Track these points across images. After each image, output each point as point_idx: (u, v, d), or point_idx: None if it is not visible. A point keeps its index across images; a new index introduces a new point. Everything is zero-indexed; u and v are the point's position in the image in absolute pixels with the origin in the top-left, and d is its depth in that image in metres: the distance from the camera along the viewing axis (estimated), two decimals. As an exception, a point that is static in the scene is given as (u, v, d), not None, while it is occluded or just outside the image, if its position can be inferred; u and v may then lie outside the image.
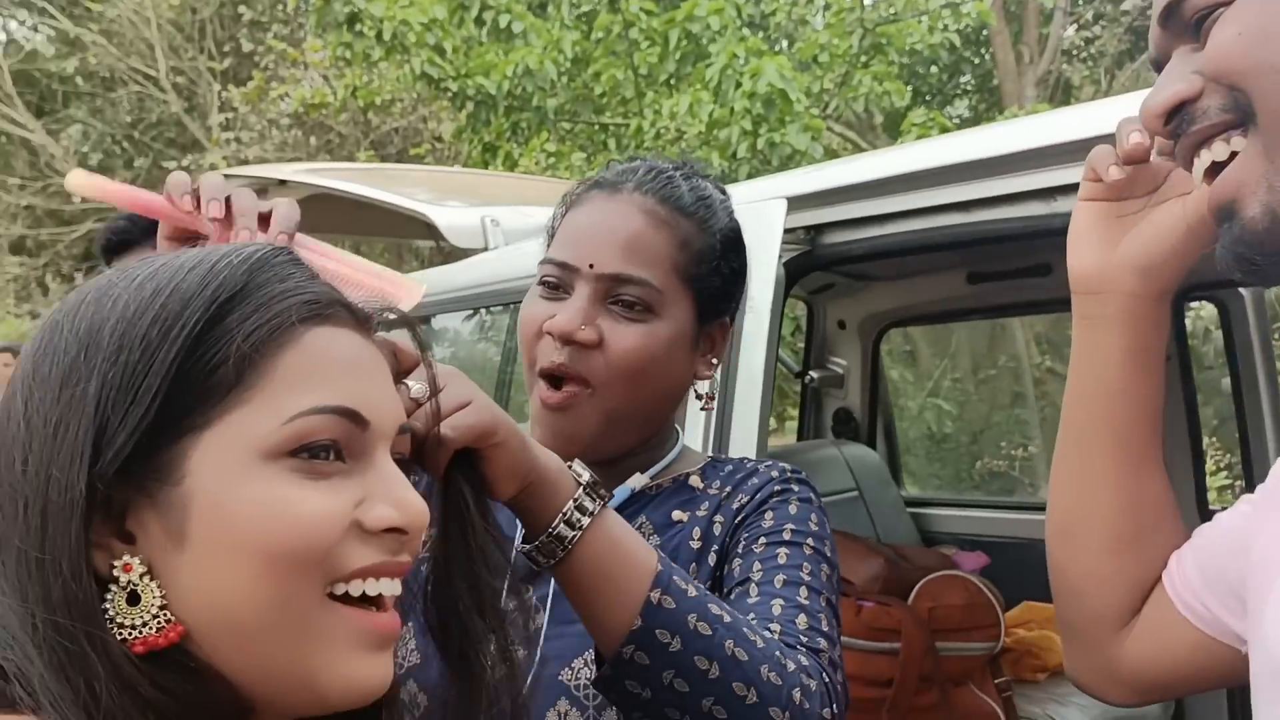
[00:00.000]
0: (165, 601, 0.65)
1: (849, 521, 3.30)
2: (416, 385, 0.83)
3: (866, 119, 10.62)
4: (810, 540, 1.12)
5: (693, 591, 0.94)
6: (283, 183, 3.13)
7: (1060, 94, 11.50)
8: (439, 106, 9.87)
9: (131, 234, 2.90)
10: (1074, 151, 1.60)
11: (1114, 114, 1.58)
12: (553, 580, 1.05)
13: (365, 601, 0.69)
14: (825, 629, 1.05)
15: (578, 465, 0.98)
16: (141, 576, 0.65)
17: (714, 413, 1.84)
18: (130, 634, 0.64)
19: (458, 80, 7.36)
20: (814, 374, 3.71)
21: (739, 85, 6.61)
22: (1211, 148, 0.81)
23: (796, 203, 1.92)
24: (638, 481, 1.22)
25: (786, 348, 5.56)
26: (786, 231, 1.95)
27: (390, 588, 0.70)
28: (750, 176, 6.34)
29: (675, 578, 0.94)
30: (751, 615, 1.03)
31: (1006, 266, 3.06)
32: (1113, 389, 0.97)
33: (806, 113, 6.92)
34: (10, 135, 12.82)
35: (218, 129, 12.52)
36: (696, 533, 1.18)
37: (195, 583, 0.65)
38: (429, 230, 2.94)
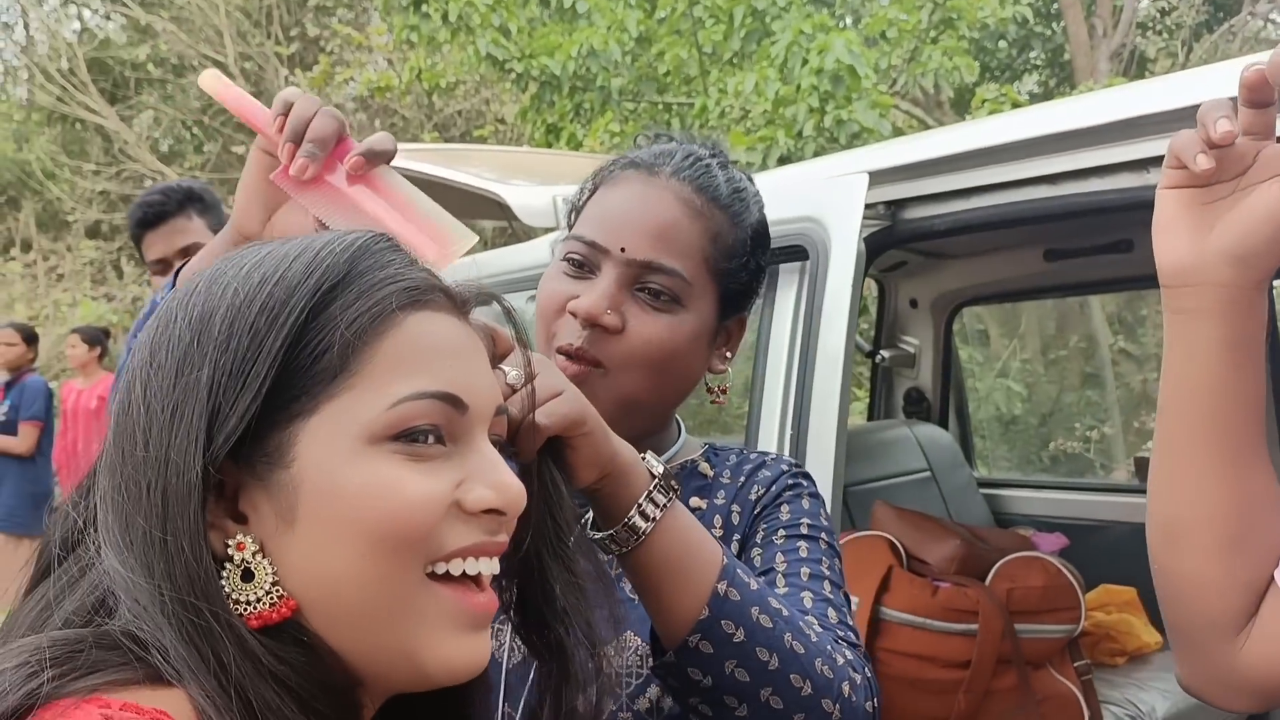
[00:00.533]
0: (277, 578, 0.67)
1: (921, 502, 3.27)
2: (513, 372, 0.85)
3: (934, 96, 10.45)
4: (824, 535, 1.16)
5: (754, 585, 0.97)
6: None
7: (1135, 68, 11.21)
8: (502, 89, 9.89)
9: (167, 206, 2.93)
10: (1168, 122, 1.56)
11: (1209, 83, 1.53)
12: None
13: (464, 580, 0.71)
14: (851, 623, 1.09)
15: (651, 458, 1.00)
16: (254, 555, 0.67)
17: (792, 393, 1.82)
18: (246, 609, 0.66)
19: (522, 61, 7.37)
20: (885, 353, 3.67)
21: (805, 62, 6.54)
22: None
23: (877, 177, 1.90)
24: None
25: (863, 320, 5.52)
26: (867, 207, 1.93)
27: (489, 566, 0.72)
28: (818, 154, 6.28)
29: (739, 570, 0.97)
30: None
31: (1086, 243, 2.99)
32: (1212, 385, 0.92)
33: (875, 89, 6.82)
34: (85, 122, 13.10)
35: (285, 113, 12.68)
36: (718, 520, 1.19)
37: (304, 561, 0.67)
38: (500, 210, 2.94)
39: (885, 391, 3.78)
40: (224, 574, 0.67)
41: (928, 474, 3.42)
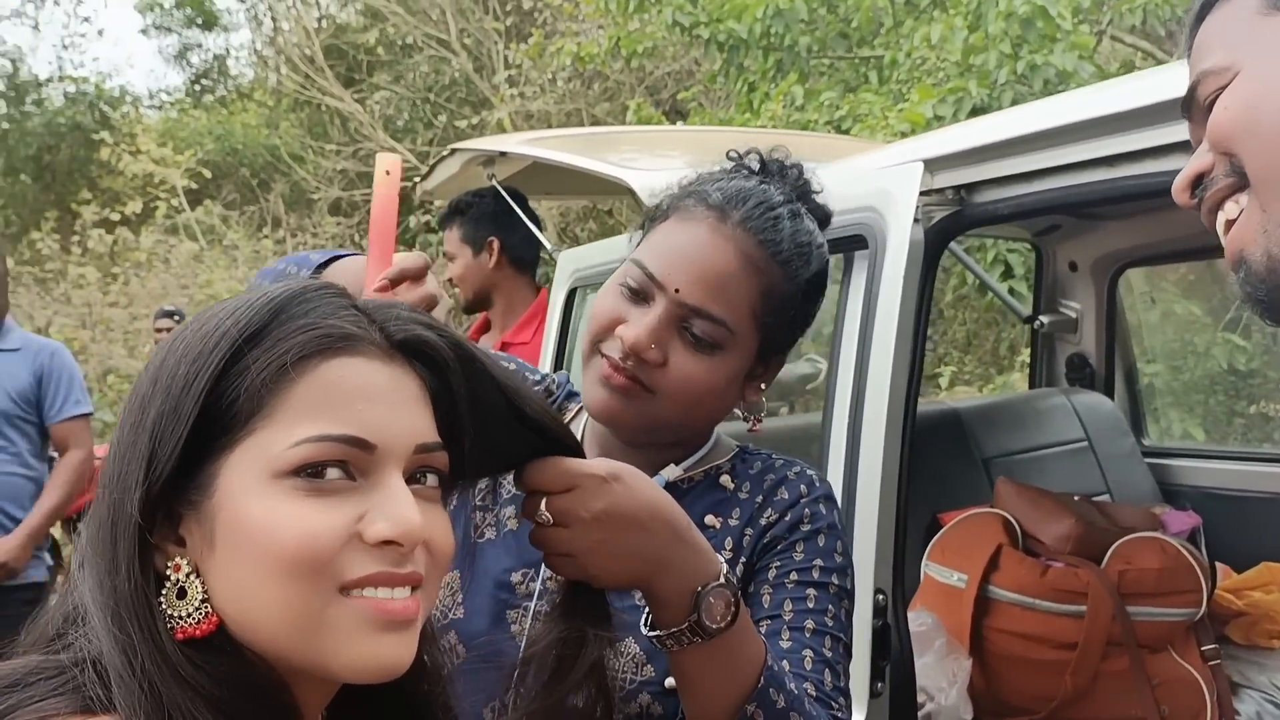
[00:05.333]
0: (206, 597, 0.76)
1: (1075, 474, 3.17)
2: (545, 514, 0.95)
3: (1167, 26, 9.70)
4: (835, 578, 1.18)
5: (782, 702, 1.01)
6: (503, 154, 3.35)
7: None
8: (696, 53, 9.93)
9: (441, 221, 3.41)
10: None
11: None
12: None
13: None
14: (843, 685, 1.14)
15: (667, 473, 1.09)
16: (188, 575, 0.76)
17: (851, 388, 1.86)
18: (177, 623, 0.75)
19: (709, 26, 7.40)
20: (1044, 319, 3.55)
21: (997, 4, 6.26)
22: (1224, 208, 0.92)
23: (943, 163, 1.89)
24: (671, 473, 1.26)
25: (1022, 282, 5.31)
26: (935, 192, 1.93)
27: (400, 595, 0.77)
28: (1015, 103, 6.01)
29: (771, 689, 1.00)
30: (785, 661, 1.09)
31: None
32: None
33: (1075, 30, 6.45)
34: (324, 105, 14.08)
35: (504, 85, 13.17)
36: (729, 543, 1.22)
37: (223, 581, 0.75)
38: (632, 193, 3.05)
39: (1046, 359, 3.66)
40: (164, 592, 0.76)
41: (1084, 444, 3.30)
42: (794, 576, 1.16)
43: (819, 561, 1.18)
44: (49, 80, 17.42)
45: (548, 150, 3.16)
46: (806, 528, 1.19)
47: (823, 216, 1.31)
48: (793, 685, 1.03)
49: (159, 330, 7.45)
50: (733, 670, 0.99)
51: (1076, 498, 2.62)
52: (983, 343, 9.16)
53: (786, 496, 1.22)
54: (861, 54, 7.81)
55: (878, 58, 7.43)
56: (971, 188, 1.90)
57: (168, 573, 0.76)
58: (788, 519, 1.20)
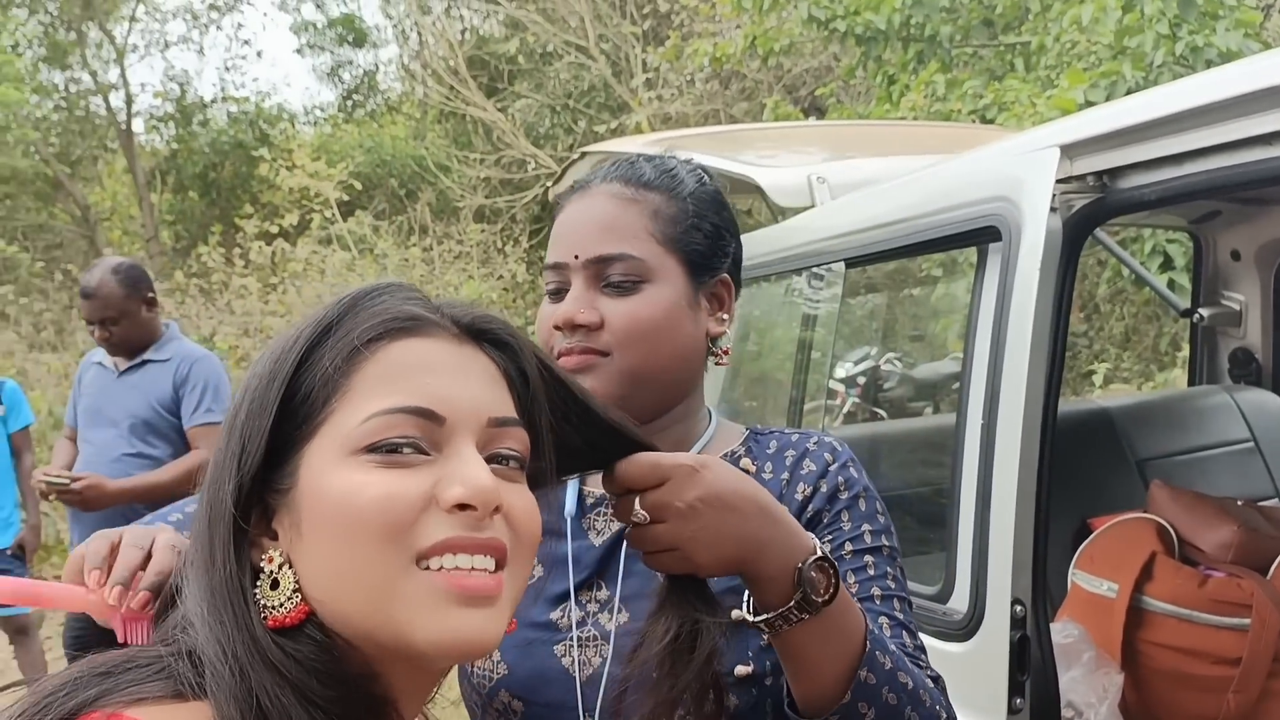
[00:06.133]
0: (298, 586, 0.78)
1: (1239, 477, 2.98)
2: (641, 513, 0.95)
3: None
4: (884, 539, 1.17)
5: (888, 662, 1.01)
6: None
7: None
8: (834, 47, 9.78)
9: None
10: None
11: None
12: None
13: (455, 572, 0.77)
14: (920, 643, 1.13)
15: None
16: (280, 567, 0.78)
17: (985, 387, 1.77)
18: (269, 613, 0.77)
19: (846, 19, 7.26)
20: (1203, 311, 3.35)
21: (1152, -17, 5.95)
22: None
23: (1081, 148, 1.78)
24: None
25: (1183, 273, 5.02)
26: (1074, 179, 1.82)
27: (479, 563, 0.77)
28: (1170, 85, 5.70)
29: (878, 651, 1.01)
30: None
31: None
32: None
33: (1240, 6, 6.08)
34: (468, 116, 14.41)
35: (641, 89, 13.24)
36: None
37: (310, 566, 0.77)
38: (760, 191, 3.00)
39: (1207, 354, 3.45)
40: (259, 583, 0.79)
41: (1250, 444, 3.10)
42: (848, 547, 1.16)
43: (866, 526, 1.17)
44: (213, 101, 18.37)
45: (678, 151, 3.14)
46: (845, 495, 1.18)
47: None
48: (893, 645, 1.04)
49: None
50: (841, 640, 0.99)
51: (1240, 502, 2.45)
52: (1142, 338, 8.74)
53: (814, 468, 1.20)
54: (1007, 40, 7.54)
55: (1024, 44, 7.15)
56: (1114, 173, 1.78)
57: (262, 565, 0.79)
58: (824, 490, 1.19)
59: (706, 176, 1.29)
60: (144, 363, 3.72)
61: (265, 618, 0.77)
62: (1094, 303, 8.64)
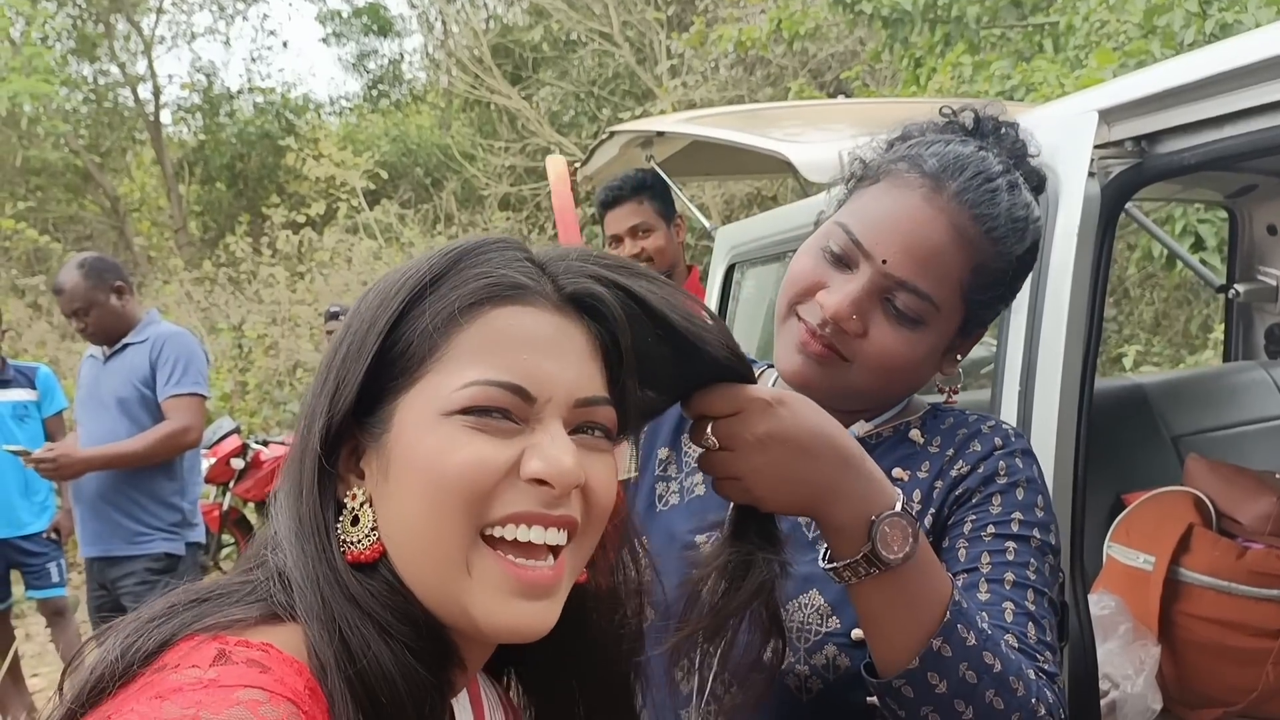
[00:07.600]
0: (375, 525, 0.81)
1: (1277, 452, 2.94)
2: (711, 439, 0.95)
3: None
4: (1036, 532, 1.12)
5: (972, 639, 0.96)
6: (660, 134, 3.33)
7: None
8: (860, 32, 9.71)
9: (622, 191, 3.52)
10: None
11: None
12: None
13: (517, 549, 0.79)
14: (1050, 639, 1.08)
15: (855, 430, 1.05)
16: (362, 504, 0.82)
17: (1022, 360, 1.76)
18: (348, 547, 0.80)
19: (871, 1, 7.21)
20: (1239, 287, 3.31)
21: (1184, -41, 5.87)
22: None
23: (1119, 113, 1.76)
24: (860, 429, 1.24)
25: (1214, 254, 4.96)
26: (1112, 145, 1.80)
27: (544, 537, 0.79)
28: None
29: (960, 625, 0.96)
30: (984, 613, 1.04)
31: None
32: None
33: (1274, -19, 5.99)
34: (493, 104, 14.42)
35: (666, 76, 13.20)
36: (917, 495, 1.18)
37: (390, 511, 0.80)
38: (791, 168, 2.99)
39: (1243, 330, 3.41)
40: (341, 518, 0.82)
41: (1287, 422, 3.06)
42: (991, 529, 1.12)
43: (1018, 515, 1.13)
44: (239, 92, 18.50)
45: (705, 128, 3.13)
46: (1003, 480, 1.15)
47: (1038, 182, 1.25)
48: (987, 626, 0.99)
49: (329, 331, 7.82)
50: (915, 605, 0.96)
51: (1279, 475, 2.42)
52: (1172, 323, 8.65)
53: (980, 449, 1.18)
54: (1035, 21, 7.47)
55: (1053, 24, 7.08)
56: (1153, 138, 1.77)
57: (345, 501, 0.82)
58: (981, 471, 1.16)
59: (1041, 230, 1.22)
60: (125, 347, 3.97)
61: (344, 551, 0.80)
62: (1124, 287, 8.55)
